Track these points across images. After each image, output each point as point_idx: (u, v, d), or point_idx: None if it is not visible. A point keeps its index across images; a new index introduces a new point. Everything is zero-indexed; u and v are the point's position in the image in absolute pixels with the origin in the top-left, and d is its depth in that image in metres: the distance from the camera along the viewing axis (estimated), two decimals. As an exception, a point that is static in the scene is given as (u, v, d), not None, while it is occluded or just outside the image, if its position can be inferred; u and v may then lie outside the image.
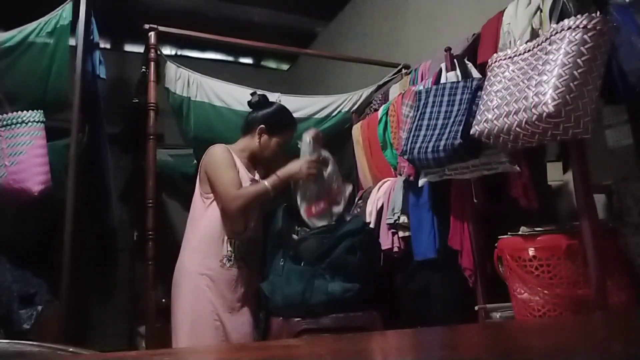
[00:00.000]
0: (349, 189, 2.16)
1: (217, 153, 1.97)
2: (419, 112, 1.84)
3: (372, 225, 2.18)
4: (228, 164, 1.94)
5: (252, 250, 2.02)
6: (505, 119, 1.37)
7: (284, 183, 1.96)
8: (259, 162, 2.12)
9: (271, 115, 2.10)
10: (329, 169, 2.06)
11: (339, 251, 1.85)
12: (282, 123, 2.11)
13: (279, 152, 2.10)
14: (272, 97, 2.84)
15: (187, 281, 1.92)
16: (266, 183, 1.93)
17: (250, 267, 2.00)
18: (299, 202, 2.02)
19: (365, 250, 1.92)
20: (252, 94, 2.18)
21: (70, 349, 0.82)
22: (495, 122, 1.40)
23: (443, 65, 1.95)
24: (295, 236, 1.98)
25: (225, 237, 1.94)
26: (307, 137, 2.06)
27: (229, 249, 1.93)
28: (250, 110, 2.16)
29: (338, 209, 2.06)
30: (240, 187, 1.92)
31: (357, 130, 2.67)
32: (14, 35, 2.27)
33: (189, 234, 2.00)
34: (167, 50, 4.02)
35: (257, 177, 2.07)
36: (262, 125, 2.06)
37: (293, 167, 1.98)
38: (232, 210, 1.89)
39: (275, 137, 2.08)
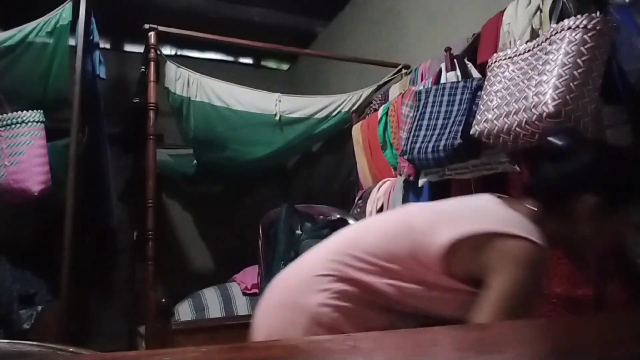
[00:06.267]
0: None
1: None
2: (419, 112, 1.84)
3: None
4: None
5: None
6: (505, 119, 1.37)
7: None
8: None
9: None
10: None
11: None
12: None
13: None
14: (272, 97, 2.84)
15: None
16: None
17: None
18: None
19: None
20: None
21: (70, 349, 0.82)
22: (495, 122, 1.40)
23: (443, 65, 1.95)
24: (299, 231, 1.98)
25: None
26: None
27: None
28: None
29: None
30: None
31: (357, 130, 2.67)
32: (14, 34, 2.27)
33: None
34: (167, 50, 4.02)
35: None
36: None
37: None
38: None
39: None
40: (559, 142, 1.01)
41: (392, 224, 1.08)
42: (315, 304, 1.00)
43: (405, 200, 2.04)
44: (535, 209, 1.01)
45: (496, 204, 1.01)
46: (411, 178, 2.01)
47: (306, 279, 1.05)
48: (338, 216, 2.28)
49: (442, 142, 1.67)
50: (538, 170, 1.07)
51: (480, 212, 1.01)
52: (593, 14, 1.28)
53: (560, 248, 1.06)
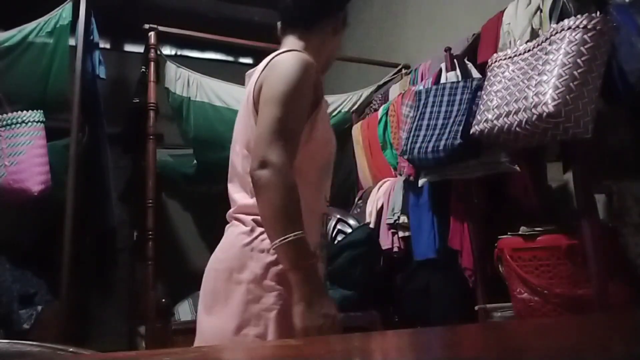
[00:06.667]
0: None
1: (296, 66, 1.08)
2: (419, 112, 1.84)
3: (372, 225, 2.18)
4: (305, 94, 1.09)
5: None
6: (505, 119, 1.37)
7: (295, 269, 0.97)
8: None
9: None
10: None
11: (341, 260, 1.84)
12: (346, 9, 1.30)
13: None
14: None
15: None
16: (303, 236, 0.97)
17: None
18: None
19: (368, 263, 1.91)
20: None
21: (70, 349, 0.82)
22: (495, 122, 1.40)
23: (443, 65, 1.95)
24: None
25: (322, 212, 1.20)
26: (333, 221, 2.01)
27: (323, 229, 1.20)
28: None
29: None
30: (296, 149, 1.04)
31: (357, 130, 2.67)
32: (14, 35, 2.27)
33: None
34: (167, 50, 4.01)
35: None
36: (342, 13, 1.26)
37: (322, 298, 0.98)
38: (254, 184, 0.99)
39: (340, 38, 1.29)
40: None
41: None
42: None
43: (405, 200, 2.04)
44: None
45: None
46: (411, 178, 2.01)
47: None
48: (338, 216, 2.28)
49: (442, 142, 1.67)
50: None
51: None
52: (593, 14, 1.28)
53: (321, 62, 1.21)
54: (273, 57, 1.15)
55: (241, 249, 1.06)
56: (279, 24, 1.31)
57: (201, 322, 1.13)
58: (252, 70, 1.26)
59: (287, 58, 1.11)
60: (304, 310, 0.93)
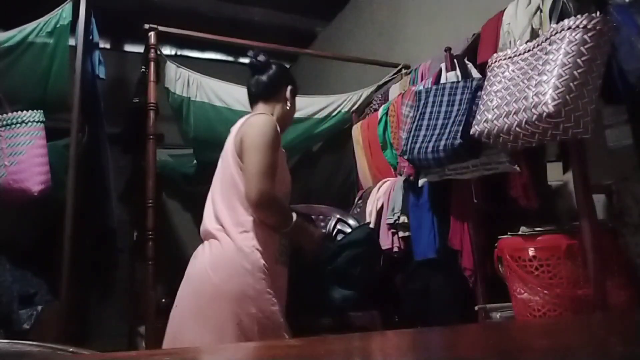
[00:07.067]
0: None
1: (267, 125, 1.55)
2: (419, 112, 1.84)
3: (372, 225, 2.18)
4: (275, 145, 1.55)
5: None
6: (505, 119, 1.37)
7: (296, 234, 1.61)
8: None
9: (290, 74, 1.83)
10: None
11: (341, 260, 1.83)
12: (295, 84, 1.80)
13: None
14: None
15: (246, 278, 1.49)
16: (293, 219, 1.58)
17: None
18: None
19: (368, 262, 1.91)
20: (254, 53, 1.77)
21: (70, 349, 0.82)
22: (495, 122, 1.40)
23: (443, 65, 1.95)
24: None
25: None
26: (333, 221, 2.10)
27: (282, 241, 1.59)
28: (257, 70, 1.75)
29: None
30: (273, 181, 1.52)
31: (357, 130, 2.67)
32: (14, 35, 2.27)
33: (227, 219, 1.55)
34: (167, 50, 4.02)
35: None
36: (291, 87, 1.75)
37: (312, 233, 1.71)
38: (257, 207, 1.48)
39: (294, 103, 1.78)
40: (259, 59, 1.73)
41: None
42: None
43: (405, 200, 2.04)
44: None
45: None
46: (411, 178, 2.01)
47: None
48: (338, 216, 2.28)
49: (442, 142, 1.67)
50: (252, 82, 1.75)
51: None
52: (593, 14, 1.28)
53: (280, 122, 1.64)
54: (247, 119, 1.61)
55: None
56: (248, 96, 1.78)
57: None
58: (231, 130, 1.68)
59: (261, 119, 1.58)
60: (307, 243, 1.67)
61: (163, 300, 2.20)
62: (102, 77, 2.52)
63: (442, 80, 1.90)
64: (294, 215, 1.60)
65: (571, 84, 1.23)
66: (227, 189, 1.57)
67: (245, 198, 1.49)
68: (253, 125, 1.56)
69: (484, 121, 1.45)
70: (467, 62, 1.88)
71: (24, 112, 2.20)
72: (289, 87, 1.75)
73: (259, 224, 1.51)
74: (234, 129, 1.63)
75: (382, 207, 2.19)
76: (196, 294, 1.52)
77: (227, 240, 1.49)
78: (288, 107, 1.74)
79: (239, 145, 1.55)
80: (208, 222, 1.59)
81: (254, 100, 1.75)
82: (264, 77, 1.73)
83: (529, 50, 1.44)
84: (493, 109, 1.43)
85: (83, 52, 2.33)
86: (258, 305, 1.43)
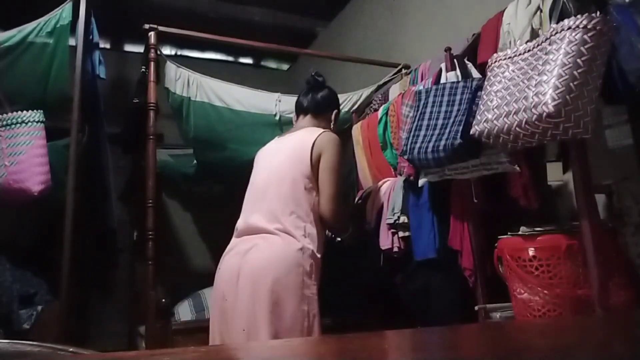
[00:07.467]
0: None
1: (340, 146, 1.81)
2: (419, 112, 1.84)
3: (372, 225, 2.18)
4: (341, 167, 1.80)
5: None
6: (505, 119, 1.37)
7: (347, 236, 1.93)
8: None
9: (338, 100, 2.07)
10: None
11: (341, 260, 1.84)
12: (340, 109, 2.07)
13: None
14: (272, 97, 2.84)
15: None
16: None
17: None
18: None
19: (367, 263, 1.91)
20: (315, 72, 2.07)
21: (70, 349, 0.82)
22: (495, 122, 1.40)
23: (443, 65, 1.95)
24: None
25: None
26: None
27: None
28: (312, 89, 2.03)
29: None
30: None
31: (357, 130, 2.67)
32: (14, 35, 2.27)
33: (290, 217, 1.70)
34: (167, 50, 4.02)
35: None
36: (336, 111, 2.01)
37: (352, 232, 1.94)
38: (329, 222, 1.73)
39: (336, 125, 2.02)
40: (318, 78, 2.00)
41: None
42: None
43: (405, 200, 2.04)
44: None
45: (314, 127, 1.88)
46: (411, 178, 2.01)
47: None
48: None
49: (442, 142, 1.67)
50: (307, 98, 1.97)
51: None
52: (593, 14, 1.28)
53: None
54: (322, 133, 1.78)
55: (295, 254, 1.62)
56: (296, 107, 2.01)
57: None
58: (289, 132, 1.94)
59: (337, 139, 1.79)
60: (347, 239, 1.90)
61: (163, 300, 2.21)
62: (102, 77, 2.52)
63: (442, 80, 1.90)
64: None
65: (571, 84, 1.23)
66: (287, 193, 1.70)
67: (320, 213, 1.70)
68: (332, 144, 1.76)
69: (484, 121, 1.45)
70: (467, 62, 1.88)
71: (24, 112, 2.20)
72: (335, 111, 1.99)
73: (320, 231, 1.70)
74: (305, 137, 1.79)
75: (382, 207, 2.19)
76: (263, 287, 1.55)
77: (290, 239, 1.63)
78: (332, 127, 1.95)
79: (316, 158, 1.73)
80: (259, 218, 1.70)
81: (303, 112, 1.96)
82: (318, 96, 1.97)
83: (529, 50, 1.44)
84: (493, 109, 1.43)
85: (83, 52, 2.33)
86: (310, 304, 1.59)
